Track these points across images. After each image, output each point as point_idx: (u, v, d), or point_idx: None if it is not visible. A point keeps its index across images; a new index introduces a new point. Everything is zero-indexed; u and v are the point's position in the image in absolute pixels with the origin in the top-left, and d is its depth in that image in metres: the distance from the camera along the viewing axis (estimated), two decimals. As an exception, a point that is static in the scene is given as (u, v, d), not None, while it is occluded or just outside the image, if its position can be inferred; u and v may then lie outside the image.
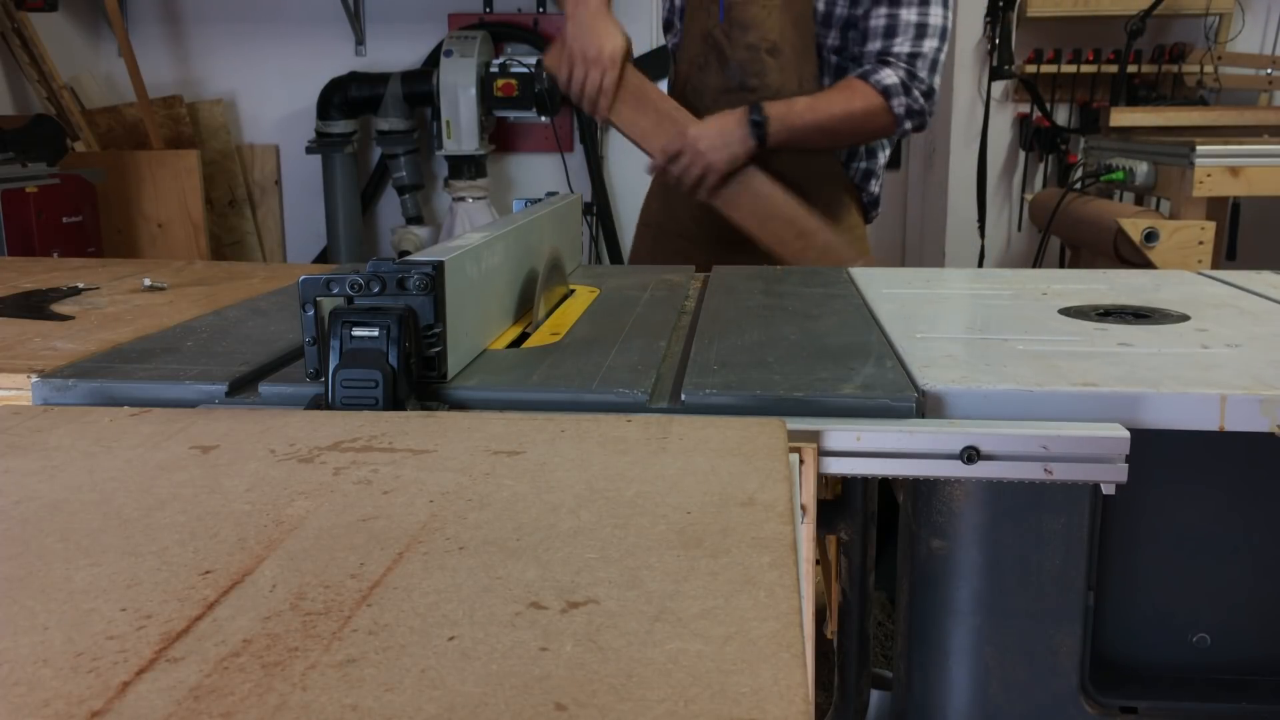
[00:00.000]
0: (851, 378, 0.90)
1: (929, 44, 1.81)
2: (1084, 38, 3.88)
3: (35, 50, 3.77)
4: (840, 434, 0.82)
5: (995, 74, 3.78)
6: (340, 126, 4.12)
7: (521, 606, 0.50)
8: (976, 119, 3.92)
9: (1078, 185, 3.23)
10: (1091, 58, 3.88)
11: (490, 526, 0.60)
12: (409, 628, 0.48)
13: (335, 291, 0.86)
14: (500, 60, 3.96)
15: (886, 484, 1.06)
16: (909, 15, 1.80)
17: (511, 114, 4.11)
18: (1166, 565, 0.97)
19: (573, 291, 1.37)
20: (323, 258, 4.31)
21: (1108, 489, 0.84)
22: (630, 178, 4.22)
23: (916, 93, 1.80)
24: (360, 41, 4.29)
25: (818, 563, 1.24)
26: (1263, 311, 1.18)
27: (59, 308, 1.27)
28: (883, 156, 2.03)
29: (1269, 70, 3.76)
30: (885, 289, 1.32)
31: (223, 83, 4.35)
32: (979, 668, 0.95)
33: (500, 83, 3.90)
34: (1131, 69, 3.82)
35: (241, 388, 0.93)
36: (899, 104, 1.80)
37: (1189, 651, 0.97)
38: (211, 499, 0.65)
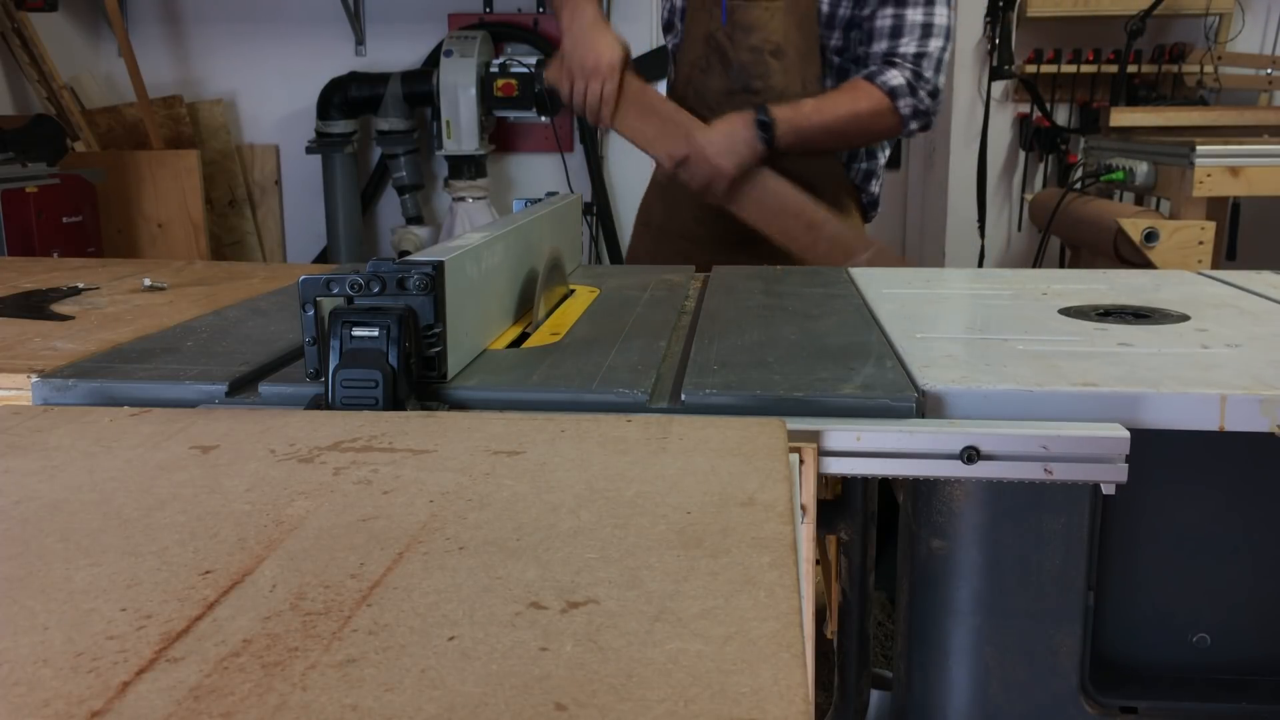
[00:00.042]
0: (851, 378, 0.90)
1: (934, 44, 1.81)
2: (1084, 38, 3.88)
3: (35, 50, 3.77)
4: (840, 434, 0.82)
5: (995, 74, 3.78)
6: (340, 126, 4.12)
7: (521, 606, 0.50)
8: (976, 119, 3.93)
9: (1078, 185, 3.23)
10: (1091, 58, 3.88)
11: (490, 526, 0.60)
12: (409, 628, 0.48)
13: (335, 291, 0.86)
14: (500, 60, 3.96)
15: (886, 484, 1.06)
16: (914, 16, 1.81)
17: (511, 114, 4.11)
18: (1166, 565, 0.97)
19: (573, 291, 1.37)
20: (323, 258, 4.31)
21: (1108, 489, 0.84)
22: (630, 178, 4.22)
23: (922, 93, 1.81)
24: (360, 41, 4.29)
25: (818, 563, 1.24)
26: (1263, 311, 1.18)
27: (59, 308, 1.27)
28: (883, 156, 2.03)
29: (1269, 70, 3.76)
30: (885, 289, 1.32)
31: (223, 83, 4.36)
32: (979, 668, 0.95)
33: (500, 83, 3.90)
34: (1131, 69, 3.82)
35: (241, 388, 0.93)
36: (905, 105, 1.81)
37: (1189, 651, 0.97)
38: (211, 499, 0.65)
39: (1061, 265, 3.68)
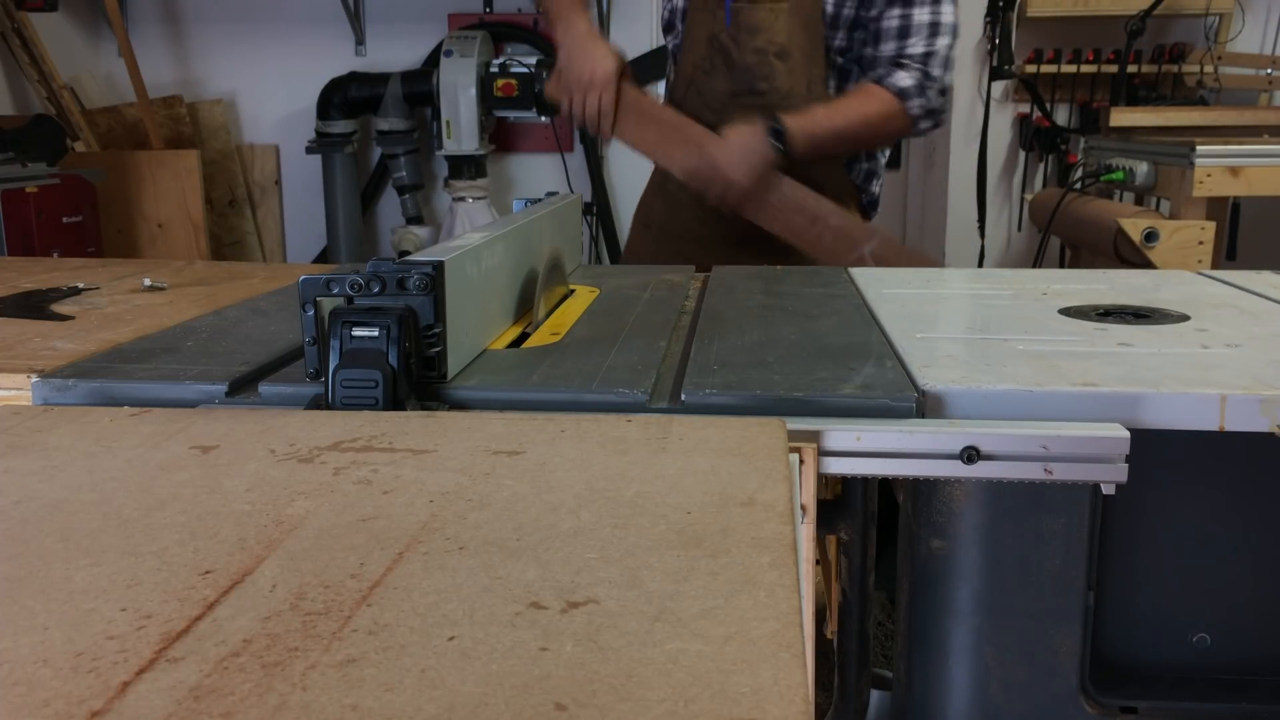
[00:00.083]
0: (851, 378, 0.90)
1: (941, 42, 1.82)
2: (1084, 38, 3.88)
3: (35, 50, 3.77)
4: (840, 434, 0.82)
5: (995, 74, 3.78)
6: (340, 126, 4.12)
7: (521, 606, 0.50)
8: (976, 119, 3.92)
9: (1078, 185, 3.23)
10: (1091, 58, 3.88)
11: (490, 526, 0.60)
12: (409, 628, 0.48)
13: (335, 291, 0.86)
14: (500, 60, 3.96)
15: (886, 484, 1.06)
16: (922, 15, 1.81)
17: (511, 114, 4.11)
18: (1166, 565, 0.97)
19: (573, 291, 1.37)
20: (323, 258, 4.31)
21: (1108, 489, 0.84)
22: (630, 178, 4.22)
23: (931, 92, 1.82)
24: (360, 41, 4.29)
25: (818, 563, 1.24)
26: (1263, 311, 1.18)
27: (59, 308, 1.27)
28: (883, 157, 2.03)
29: (1269, 70, 3.76)
30: (885, 289, 1.32)
31: (223, 83, 4.36)
32: (979, 668, 0.95)
33: (500, 83, 3.90)
34: (1131, 69, 3.82)
35: (241, 388, 0.93)
36: (915, 106, 1.82)
37: (1189, 651, 0.97)
38: (211, 499, 0.65)
39: (1061, 265, 3.68)
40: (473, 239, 1.01)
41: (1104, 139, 3.46)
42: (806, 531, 0.79)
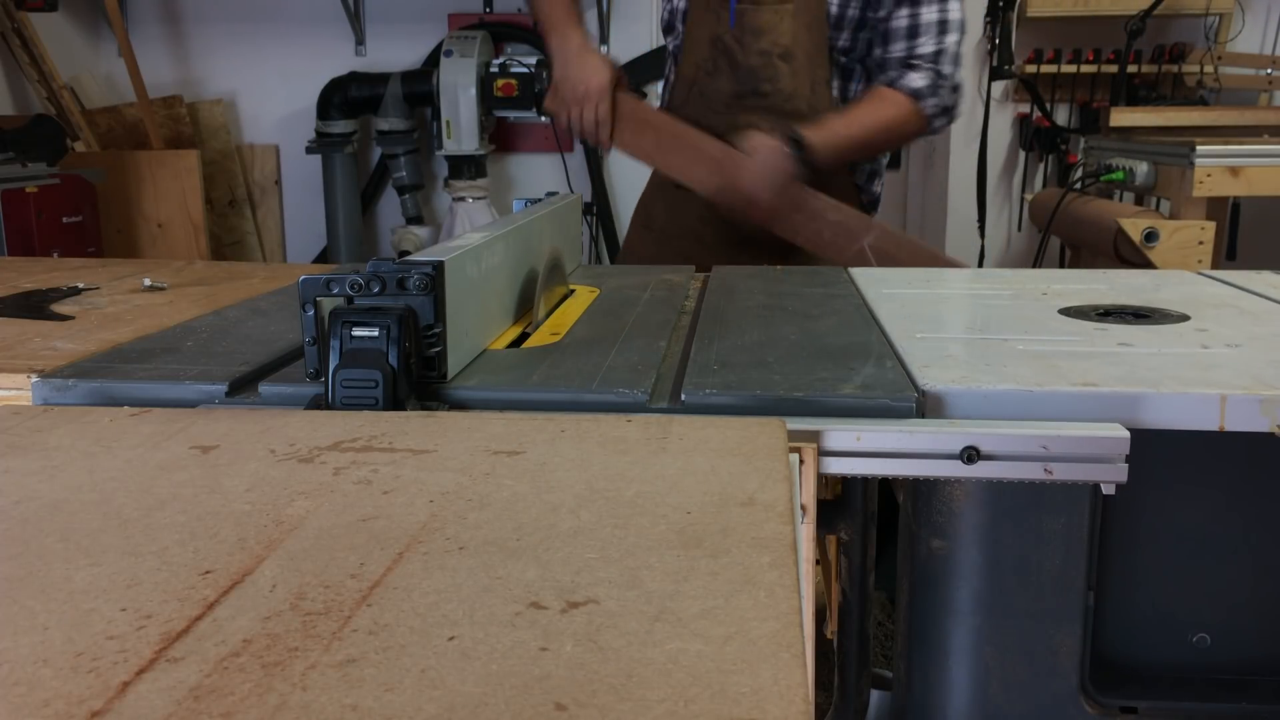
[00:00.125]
0: (851, 378, 0.90)
1: (950, 39, 1.83)
2: (1084, 38, 3.88)
3: (35, 50, 3.77)
4: (840, 434, 0.82)
5: (995, 74, 3.78)
6: (340, 126, 4.12)
7: (521, 606, 0.50)
8: (976, 119, 3.92)
9: (1078, 185, 3.23)
10: (1091, 58, 3.88)
11: (490, 526, 0.60)
12: (409, 628, 0.48)
13: (335, 291, 0.86)
14: (500, 60, 3.96)
15: (886, 484, 1.06)
16: (930, 14, 1.81)
17: (511, 114, 4.11)
18: (1166, 565, 0.97)
19: (573, 291, 1.37)
20: (323, 258, 4.31)
21: (1108, 489, 0.84)
22: (630, 178, 4.22)
23: (944, 91, 1.83)
24: (360, 41, 4.29)
25: (818, 563, 1.24)
26: (1263, 311, 1.18)
27: (59, 308, 1.27)
28: (883, 157, 2.04)
29: (1269, 70, 3.76)
30: (885, 289, 1.32)
31: (223, 83, 4.36)
32: (979, 668, 0.95)
33: (500, 83, 3.90)
34: (1131, 69, 3.82)
35: (241, 388, 0.93)
36: (930, 106, 1.82)
37: (1189, 651, 0.97)
38: (211, 499, 0.65)
39: (1061, 265, 3.68)
40: (473, 239, 1.01)
41: (1104, 139, 3.46)
42: (806, 531, 0.79)
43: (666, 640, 0.47)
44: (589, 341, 1.07)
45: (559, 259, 1.32)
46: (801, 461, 0.79)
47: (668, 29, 2.05)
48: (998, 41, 3.70)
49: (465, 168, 4.03)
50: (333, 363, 0.84)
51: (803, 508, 0.78)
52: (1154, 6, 3.59)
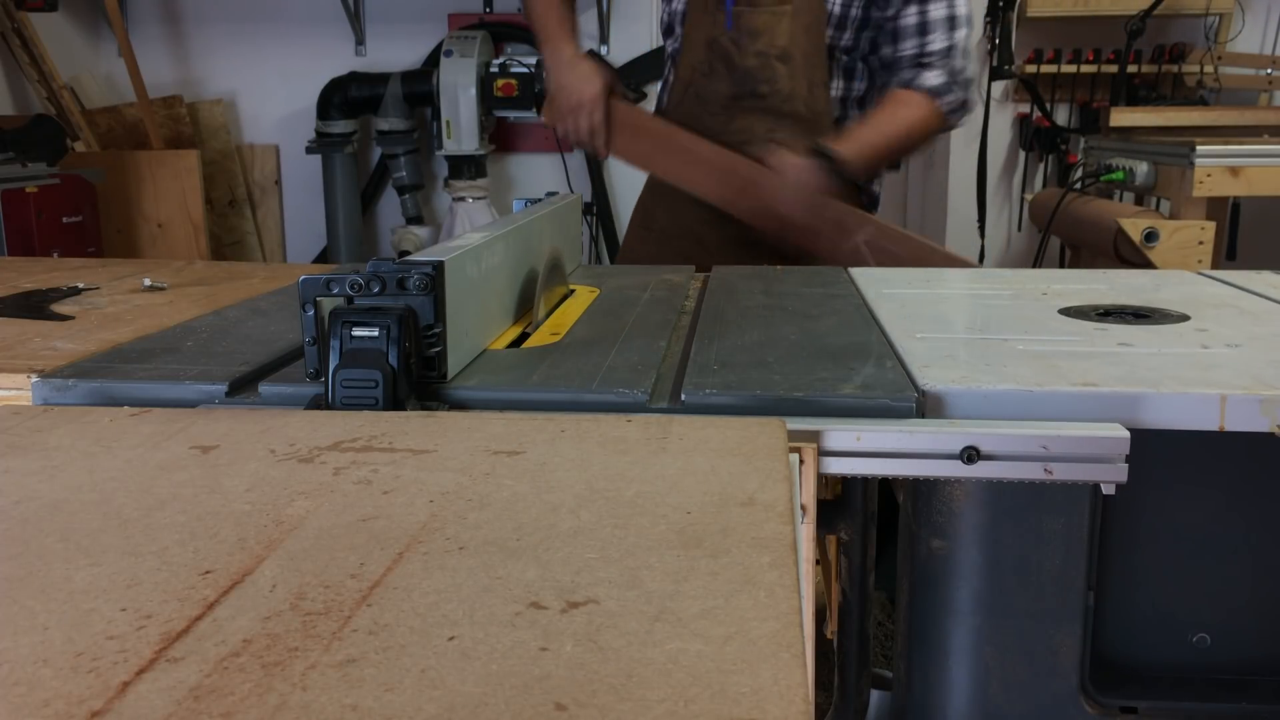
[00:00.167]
0: (851, 378, 0.90)
1: (960, 34, 1.84)
2: (1084, 38, 3.88)
3: (35, 50, 3.77)
4: (840, 434, 0.82)
5: (995, 74, 3.78)
6: (340, 126, 4.12)
7: (521, 606, 0.50)
8: (976, 119, 3.92)
9: (1078, 185, 3.23)
10: (1091, 58, 3.88)
11: (490, 526, 0.60)
12: (409, 628, 0.48)
13: (335, 291, 0.86)
14: (500, 60, 3.96)
15: (886, 484, 1.06)
16: (939, 10, 1.82)
17: (511, 114, 4.11)
18: (1166, 565, 0.97)
19: (573, 291, 1.37)
20: (323, 258, 4.31)
21: (1108, 489, 0.84)
22: (630, 178, 4.20)
23: (959, 86, 1.84)
24: (360, 41, 4.29)
25: (818, 563, 1.24)
26: (1263, 311, 1.18)
27: (59, 308, 1.27)
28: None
29: (1269, 70, 3.76)
30: (885, 289, 1.32)
31: (223, 83, 4.35)
32: (979, 668, 0.95)
33: (500, 83, 3.90)
34: (1131, 69, 3.82)
35: (241, 388, 0.93)
36: (947, 102, 1.83)
37: (1189, 651, 0.97)
38: (211, 499, 0.65)
39: (1061, 265, 3.68)
40: (473, 239, 1.01)
41: (1104, 139, 3.46)
42: (806, 531, 0.79)
43: (666, 640, 0.47)
44: (589, 341, 1.07)
45: (559, 259, 1.32)
46: (801, 461, 0.79)
47: (667, 31, 2.05)
48: (998, 41, 3.69)
49: (465, 168, 4.03)
50: (333, 363, 0.84)
51: (803, 508, 0.78)
52: (1154, 6, 3.59)
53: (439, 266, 0.87)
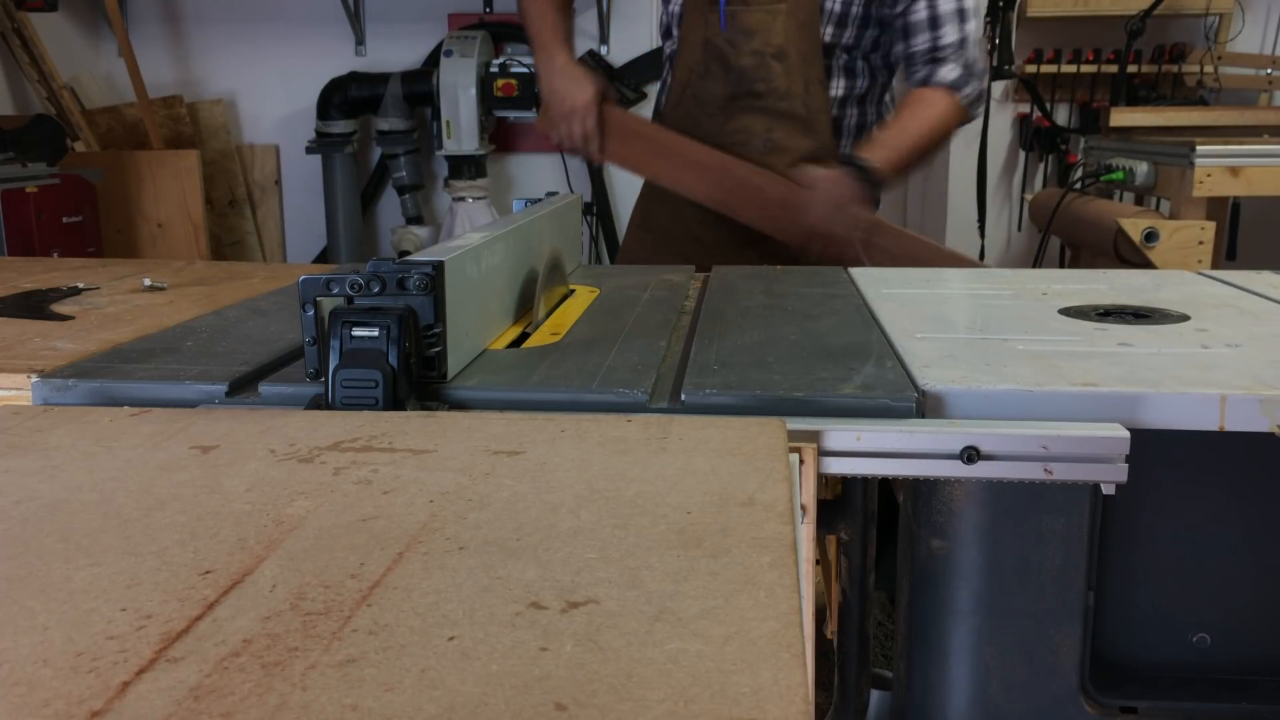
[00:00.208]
0: (851, 378, 0.90)
1: (970, 25, 1.84)
2: (1084, 38, 3.88)
3: (35, 50, 3.77)
4: (840, 434, 0.82)
5: (995, 74, 3.78)
6: (340, 126, 4.12)
7: (521, 606, 0.50)
8: (976, 119, 3.92)
9: (1078, 185, 3.23)
10: (1091, 58, 3.88)
11: (490, 526, 0.60)
12: (409, 628, 0.48)
13: (335, 291, 0.86)
14: (500, 60, 3.96)
15: (886, 484, 1.06)
16: (947, 3, 1.82)
17: (511, 114, 4.11)
18: (1166, 565, 0.97)
19: (573, 291, 1.37)
20: (323, 258, 4.31)
21: (1108, 489, 0.84)
22: (630, 178, 4.20)
23: (975, 77, 1.84)
24: (360, 41, 4.29)
25: (818, 563, 1.24)
26: (1263, 311, 1.18)
27: (59, 308, 1.27)
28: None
29: (1269, 70, 3.76)
30: (885, 289, 1.32)
31: (223, 83, 4.35)
32: (979, 668, 0.95)
33: (500, 83, 3.90)
34: (1131, 69, 3.82)
35: (241, 388, 0.93)
36: (966, 95, 1.84)
37: (1189, 651, 0.97)
38: (211, 499, 0.65)
39: (1061, 265, 3.68)
40: (473, 239, 1.01)
41: (1104, 139, 3.46)
42: (806, 531, 0.79)
43: (666, 640, 0.47)
44: (589, 341, 1.07)
45: (559, 259, 1.32)
46: (801, 461, 0.79)
47: (665, 34, 2.05)
48: (998, 41, 3.69)
49: (465, 168, 4.03)
50: (333, 363, 0.84)
51: (803, 508, 0.78)
52: (1154, 6, 3.59)
53: (439, 266, 0.87)
